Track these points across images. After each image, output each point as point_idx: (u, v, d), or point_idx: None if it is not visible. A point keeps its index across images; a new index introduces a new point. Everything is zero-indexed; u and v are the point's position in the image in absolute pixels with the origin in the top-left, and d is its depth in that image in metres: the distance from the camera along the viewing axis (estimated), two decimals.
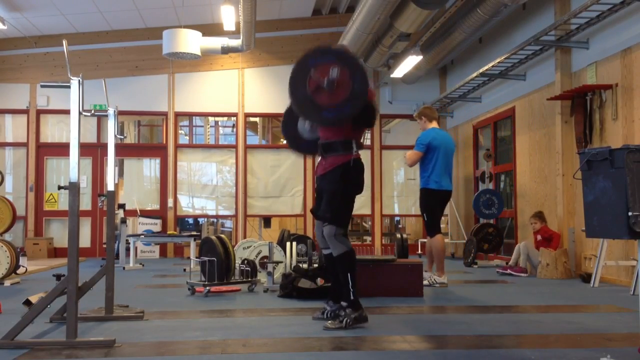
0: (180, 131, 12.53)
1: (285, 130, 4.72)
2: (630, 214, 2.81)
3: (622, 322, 4.33)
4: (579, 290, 6.24)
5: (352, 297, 4.06)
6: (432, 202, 6.21)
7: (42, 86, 3.70)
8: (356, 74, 3.98)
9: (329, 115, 3.99)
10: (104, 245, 7.61)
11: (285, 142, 4.75)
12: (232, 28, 9.75)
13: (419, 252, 11.11)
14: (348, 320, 4.00)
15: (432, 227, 6.31)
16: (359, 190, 4.27)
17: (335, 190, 4.16)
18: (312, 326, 4.13)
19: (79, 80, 3.51)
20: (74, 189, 3.47)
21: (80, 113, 3.52)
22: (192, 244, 8.92)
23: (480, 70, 9.07)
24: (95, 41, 11.31)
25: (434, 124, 6.33)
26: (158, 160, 11.74)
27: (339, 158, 4.15)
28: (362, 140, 4.29)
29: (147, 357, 3.28)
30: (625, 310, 4.87)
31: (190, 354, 3.35)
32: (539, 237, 7.76)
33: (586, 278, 6.69)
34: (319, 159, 4.38)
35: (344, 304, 4.09)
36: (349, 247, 4.14)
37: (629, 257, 6.40)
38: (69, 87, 3.52)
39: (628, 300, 5.43)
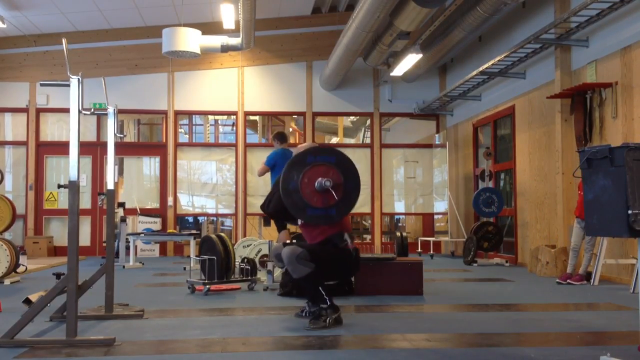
0: (180, 130, 12.52)
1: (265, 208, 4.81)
2: (630, 212, 2.80)
3: (622, 320, 4.33)
4: (578, 288, 6.24)
5: (329, 302, 4.07)
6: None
7: (41, 85, 3.70)
8: (349, 180, 4.08)
9: (312, 213, 4.06)
10: (104, 244, 7.61)
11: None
12: (232, 26, 9.73)
13: (419, 250, 11.11)
14: (330, 320, 4.01)
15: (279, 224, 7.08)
16: (347, 273, 4.45)
17: (328, 247, 4.16)
18: (304, 324, 4.12)
19: (79, 79, 3.51)
20: (73, 187, 3.47)
21: (79, 112, 3.51)
22: (192, 243, 8.92)
23: (480, 69, 9.06)
24: (95, 40, 11.29)
25: (284, 145, 7.44)
26: (158, 159, 11.73)
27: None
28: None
29: (147, 356, 3.28)
30: (625, 308, 4.87)
31: (190, 352, 3.35)
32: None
33: (586, 276, 6.69)
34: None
35: (323, 305, 4.09)
36: (311, 268, 4.02)
37: (629, 256, 6.40)
38: (68, 85, 3.51)
39: (628, 298, 5.43)
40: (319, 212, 4.04)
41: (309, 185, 4.01)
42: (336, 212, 4.07)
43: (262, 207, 4.95)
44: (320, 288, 4.08)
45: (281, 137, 7.61)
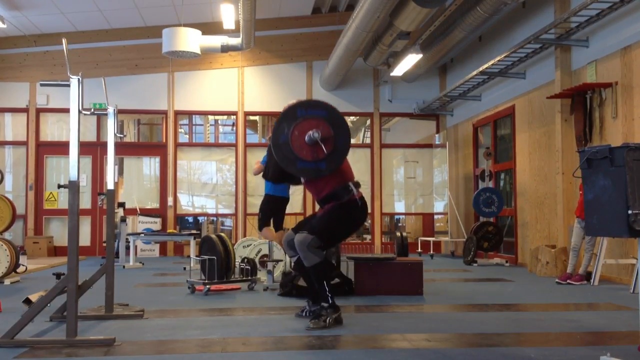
0: (180, 130, 12.52)
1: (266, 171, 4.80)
2: (630, 212, 2.81)
3: (622, 321, 4.33)
4: (578, 288, 6.24)
5: (330, 301, 4.08)
6: (269, 204, 7.28)
7: (41, 85, 3.70)
8: (340, 135, 4.06)
9: (302, 166, 4.05)
10: (104, 244, 7.60)
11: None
12: (232, 26, 9.74)
13: (419, 250, 11.11)
14: (330, 320, 4.01)
15: (262, 223, 7.31)
16: (358, 227, 4.32)
17: (332, 211, 4.16)
18: (304, 324, 4.12)
19: (79, 79, 3.51)
20: (73, 187, 3.47)
21: (79, 112, 3.51)
22: (192, 243, 8.92)
23: (480, 69, 9.06)
24: (95, 40, 11.30)
25: None
26: (158, 159, 11.73)
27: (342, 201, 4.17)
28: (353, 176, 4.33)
29: (147, 356, 3.28)
30: (625, 308, 4.87)
31: (190, 352, 3.35)
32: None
33: (586, 276, 6.68)
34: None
35: (324, 304, 4.09)
36: (322, 258, 4.10)
37: (629, 256, 6.40)
38: (68, 85, 3.51)
39: (628, 298, 5.43)
40: (308, 165, 4.02)
41: (299, 139, 3.99)
42: (325, 166, 4.04)
43: (263, 175, 4.95)
44: (325, 283, 4.08)
45: None
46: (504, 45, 9.18)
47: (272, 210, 7.35)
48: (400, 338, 3.73)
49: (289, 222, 12.96)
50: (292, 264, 6.17)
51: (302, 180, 4.36)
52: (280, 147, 4.03)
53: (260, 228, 7.39)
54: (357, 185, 4.25)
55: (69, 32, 10.97)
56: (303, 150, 4.00)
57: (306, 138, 3.98)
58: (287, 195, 7.49)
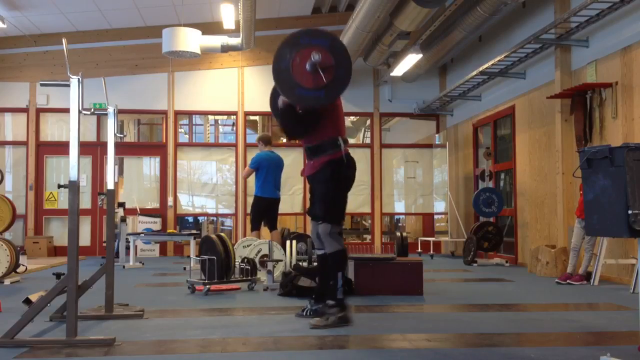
0: (180, 130, 12.53)
1: (272, 104, 4.74)
2: (630, 212, 2.81)
3: (622, 321, 4.33)
4: (578, 288, 6.24)
5: (339, 297, 4.07)
6: (258, 206, 7.67)
7: (41, 84, 3.69)
8: (341, 65, 4.01)
9: (301, 92, 4.00)
10: (104, 244, 7.61)
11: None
12: (232, 26, 9.73)
13: (419, 250, 11.11)
14: (334, 319, 4.01)
15: (253, 224, 7.72)
16: (350, 185, 4.30)
17: (327, 189, 4.18)
18: (305, 324, 4.12)
19: (79, 78, 3.51)
20: (73, 187, 3.47)
21: (80, 112, 3.51)
22: (192, 243, 8.92)
23: (480, 69, 9.06)
24: (95, 40, 11.29)
25: (269, 147, 7.80)
26: (158, 159, 11.73)
27: (328, 157, 4.17)
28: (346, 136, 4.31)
29: (147, 356, 3.28)
30: (625, 308, 4.87)
31: (191, 352, 3.35)
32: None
33: (586, 276, 6.69)
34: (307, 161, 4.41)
35: (330, 302, 4.09)
36: (342, 246, 4.17)
37: (629, 256, 6.40)
38: (68, 85, 3.51)
39: (628, 298, 5.43)
40: (307, 92, 3.98)
41: (300, 65, 3.95)
42: (325, 94, 4.00)
43: (287, 133, 4.70)
44: (339, 275, 4.08)
45: (265, 139, 7.87)
46: (504, 45, 9.18)
47: (262, 212, 7.64)
48: (400, 338, 3.73)
49: (289, 223, 13.00)
50: (292, 264, 6.19)
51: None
52: (281, 73, 3.99)
53: (252, 230, 7.64)
54: (345, 141, 4.24)
55: (69, 32, 10.96)
56: (304, 77, 3.95)
57: (307, 65, 3.93)
58: (277, 196, 7.74)
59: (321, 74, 3.92)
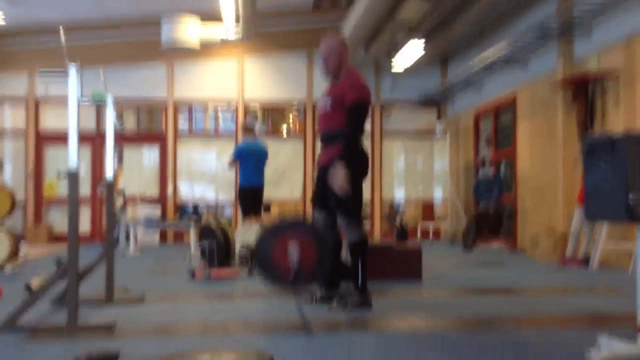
0: (179, 119, 12.50)
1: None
2: (630, 197, 2.81)
3: (621, 304, 4.35)
4: (577, 272, 6.26)
5: (361, 283, 4.11)
6: (242, 195, 7.88)
7: (40, 72, 3.67)
8: (322, 256, 3.65)
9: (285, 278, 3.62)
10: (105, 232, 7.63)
11: None
12: (232, 17, 9.67)
13: (419, 236, 11.14)
14: (354, 304, 4.05)
15: (242, 214, 7.94)
16: (365, 175, 4.32)
17: (347, 178, 4.14)
18: (311, 308, 4.14)
19: (77, 66, 3.48)
20: (73, 177, 3.46)
21: (78, 100, 3.48)
22: (192, 230, 8.94)
23: (482, 58, 9.02)
24: (93, 30, 11.23)
25: (250, 136, 7.92)
26: (157, 148, 11.73)
27: (345, 145, 4.14)
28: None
29: (148, 340, 3.29)
30: (624, 292, 4.89)
31: (191, 336, 3.36)
32: None
33: (585, 261, 6.70)
34: (322, 149, 4.39)
35: (352, 286, 4.12)
36: (363, 234, 4.21)
37: (628, 240, 6.41)
38: (67, 74, 3.48)
39: (626, 282, 5.44)
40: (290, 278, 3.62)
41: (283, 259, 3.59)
42: (304, 283, 3.71)
43: None
44: (362, 263, 4.10)
45: (245, 128, 8.10)
46: (506, 35, 9.12)
47: (246, 201, 7.82)
48: (399, 322, 3.75)
49: (289, 210, 12.99)
50: None
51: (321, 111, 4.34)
52: (262, 260, 3.65)
53: (243, 219, 7.85)
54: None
55: (68, 22, 10.90)
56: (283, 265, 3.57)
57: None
58: (257, 184, 7.82)
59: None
